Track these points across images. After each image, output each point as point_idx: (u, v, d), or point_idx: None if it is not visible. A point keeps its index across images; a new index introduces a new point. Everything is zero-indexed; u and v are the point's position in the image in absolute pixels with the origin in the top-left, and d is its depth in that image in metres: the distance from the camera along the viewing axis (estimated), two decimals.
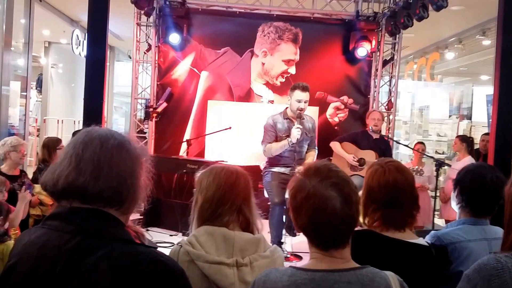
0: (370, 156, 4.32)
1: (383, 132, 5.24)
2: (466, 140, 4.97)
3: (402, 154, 8.32)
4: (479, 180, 1.74)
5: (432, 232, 1.79)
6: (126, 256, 0.92)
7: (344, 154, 4.45)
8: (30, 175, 3.81)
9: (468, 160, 4.74)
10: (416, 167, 4.55)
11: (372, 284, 1.06)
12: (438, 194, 4.59)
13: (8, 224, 2.84)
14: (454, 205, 1.82)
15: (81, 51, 7.57)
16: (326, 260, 1.10)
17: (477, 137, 6.84)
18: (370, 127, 4.50)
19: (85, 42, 7.27)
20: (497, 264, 1.15)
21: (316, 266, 1.10)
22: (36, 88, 8.51)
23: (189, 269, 1.39)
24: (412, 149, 5.01)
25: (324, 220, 1.06)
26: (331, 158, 4.58)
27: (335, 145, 4.56)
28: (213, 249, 1.43)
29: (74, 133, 5.86)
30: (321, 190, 1.08)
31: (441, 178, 4.89)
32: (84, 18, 7.13)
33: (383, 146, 4.46)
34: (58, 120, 7.82)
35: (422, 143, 5.23)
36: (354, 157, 4.39)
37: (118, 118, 10.71)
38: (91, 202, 0.97)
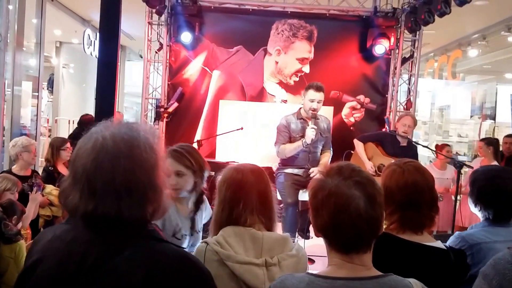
0: None
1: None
2: (492, 143, 4.64)
3: (421, 156, 8.06)
4: (497, 187, 1.69)
5: (457, 233, 1.74)
6: (159, 252, 0.93)
7: (364, 158, 4.21)
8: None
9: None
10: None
11: None
12: (460, 197, 4.34)
13: (20, 224, 2.84)
14: (473, 208, 1.78)
15: (93, 51, 7.55)
16: (346, 267, 1.04)
17: (501, 138, 6.55)
18: (387, 128, 4.26)
19: (97, 42, 7.27)
20: (511, 258, 1.16)
21: (335, 274, 1.04)
22: (47, 88, 8.54)
23: (218, 269, 1.41)
24: (437, 152, 4.70)
25: (347, 220, 1.01)
26: (352, 152, 4.37)
27: (358, 145, 4.30)
28: (241, 249, 1.44)
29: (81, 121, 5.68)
30: (343, 188, 1.03)
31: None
32: (95, 17, 7.12)
33: (409, 156, 4.16)
34: (69, 121, 7.82)
35: (447, 144, 4.93)
36: (372, 167, 4.15)
37: (129, 119, 10.66)
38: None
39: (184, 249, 1.00)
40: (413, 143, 4.46)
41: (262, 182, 1.53)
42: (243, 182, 1.50)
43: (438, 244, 1.47)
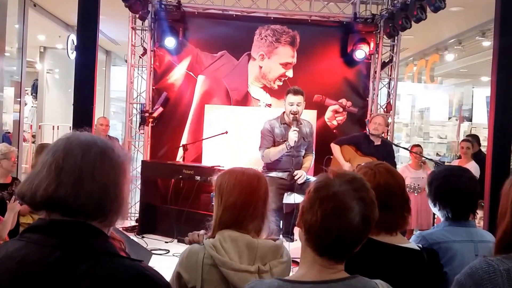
0: None
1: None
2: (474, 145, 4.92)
3: (403, 157, 8.26)
4: (452, 185, 1.74)
5: (418, 232, 1.81)
6: (111, 270, 0.90)
7: (341, 160, 4.39)
8: None
9: (472, 165, 4.64)
10: (414, 185, 4.41)
11: None
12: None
13: None
14: (433, 208, 1.82)
15: None
16: (315, 269, 1.06)
17: None
18: (368, 130, 4.43)
19: None
20: (489, 268, 1.12)
21: (303, 278, 1.06)
22: (31, 94, 8.45)
23: (209, 272, 1.43)
24: (410, 151, 4.95)
25: (335, 227, 1.02)
26: (331, 157, 4.50)
27: (334, 148, 4.49)
28: (236, 256, 1.44)
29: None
30: (346, 197, 1.03)
31: None
32: None
33: (384, 153, 4.34)
34: (53, 126, 7.74)
35: (418, 145, 5.16)
36: (350, 166, 4.31)
37: (116, 124, 10.64)
38: (73, 215, 0.93)
39: (141, 262, 0.95)
40: (387, 141, 4.65)
41: (267, 189, 1.55)
42: (257, 188, 1.51)
43: (412, 245, 1.50)
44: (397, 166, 5.31)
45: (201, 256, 1.44)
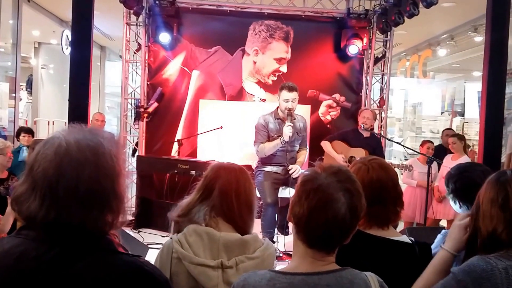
0: (360, 153, 4.31)
1: (376, 130, 5.23)
2: (463, 138, 4.92)
3: (396, 151, 8.35)
4: (467, 180, 1.75)
5: (443, 231, 1.77)
6: (110, 266, 0.90)
7: (334, 154, 4.46)
8: None
9: (465, 159, 4.70)
10: (406, 164, 4.53)
11: (352, 286, 1.05)
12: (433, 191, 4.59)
13: None
14: (453, 205, 1.82)
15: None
16: (307, 261, 1.08)
17: (470, 134, 6.86)
18: (362, 125, 4.51)
19: None
20: (487, 266, 1.12)
21: (295, 269, 1.08)
22: (26, 89, 8.43)
23: (177, 266, 1.44)
24: (419, 152, 4.94)
25: (322, 219, 1.04)
26: (323, 157, 4.57)
27: (325, 145, 4.57)
28: (200, 250, 1.44)
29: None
30: (332, 189, 1.06)
31: None
32: None
33: (373, 144, 4.47)
34: (48, 122, 7.74)
35: (430, 141, 5.13)
36: (343, 157, 4.39)
37: (111, 119, 10.63)
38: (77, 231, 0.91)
39: (140, 258, 0.94)
40: (376, 134, 4.73)
41: (230, 181, 1.51)
42: (207, 178, 1.52)
43: (404, 238, 1.51)
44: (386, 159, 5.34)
45: (170, 250, 1.46)
